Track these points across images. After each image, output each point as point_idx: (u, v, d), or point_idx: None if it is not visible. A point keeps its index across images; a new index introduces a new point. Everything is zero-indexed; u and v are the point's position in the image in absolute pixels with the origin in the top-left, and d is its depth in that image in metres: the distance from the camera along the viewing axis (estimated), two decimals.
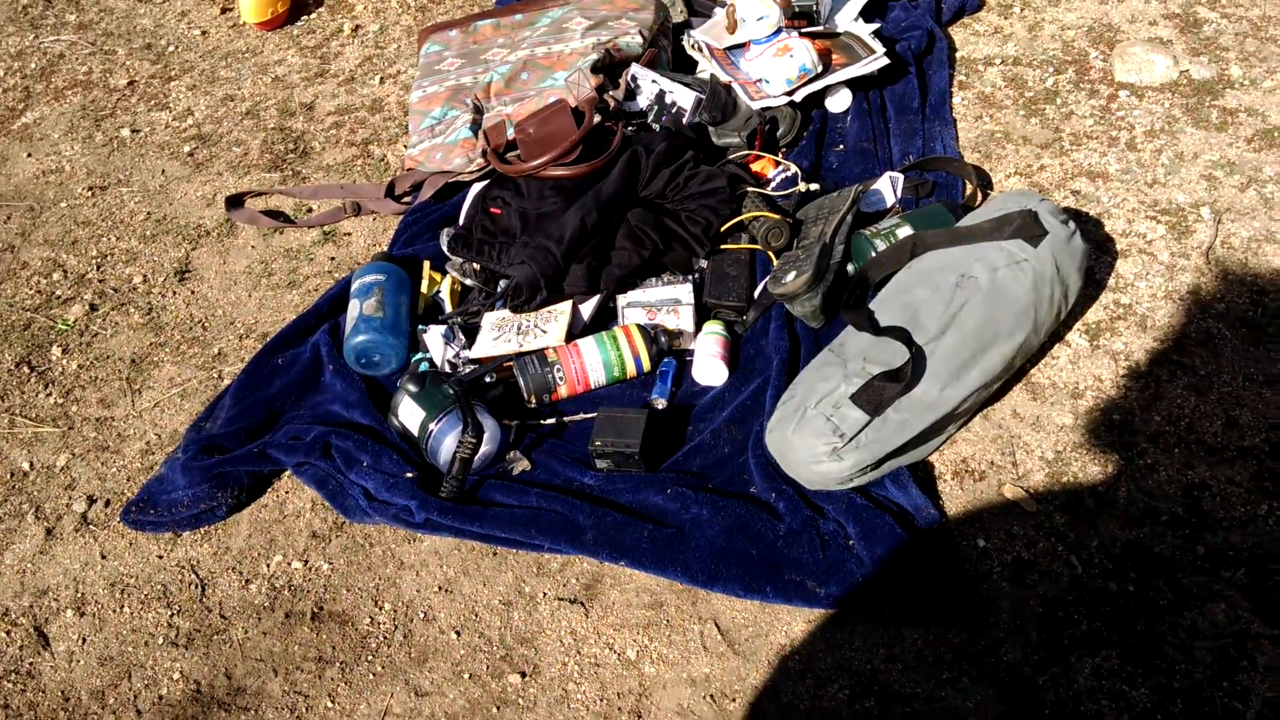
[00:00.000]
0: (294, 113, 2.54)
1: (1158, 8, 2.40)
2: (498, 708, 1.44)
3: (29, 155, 2.54)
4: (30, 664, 1.58)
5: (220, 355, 2.00)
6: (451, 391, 1.68)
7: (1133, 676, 1.37)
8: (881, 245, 1.84)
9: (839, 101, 2.26)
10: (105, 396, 1.96)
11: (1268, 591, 1.43)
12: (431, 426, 1.66)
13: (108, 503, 1.78)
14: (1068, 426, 1.66)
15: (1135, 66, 2.25)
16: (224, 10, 2.93)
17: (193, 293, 2.14)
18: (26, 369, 2.03)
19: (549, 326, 1.81)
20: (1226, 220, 1.92)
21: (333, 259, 2.16)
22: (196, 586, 1.64)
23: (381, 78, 2.60)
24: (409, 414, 1.69)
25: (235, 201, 2.30)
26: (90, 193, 2.40)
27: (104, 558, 1.70)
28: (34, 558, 1.72)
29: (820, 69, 2.18)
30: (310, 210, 2.28)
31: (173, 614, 1.61)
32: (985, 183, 2.07)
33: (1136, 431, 1.64)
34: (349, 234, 2.21)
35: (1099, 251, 1.90)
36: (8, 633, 1.62)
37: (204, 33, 2.87)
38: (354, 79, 2.62)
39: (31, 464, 1.86)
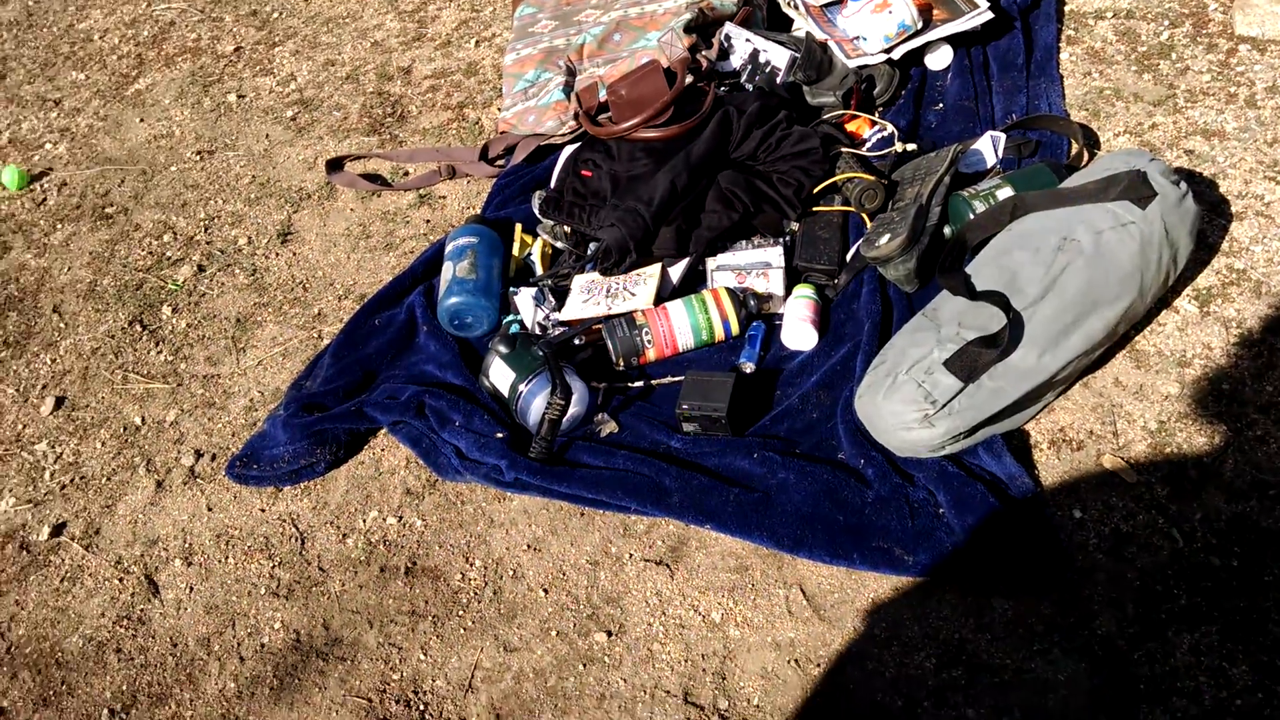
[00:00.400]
0: (392, 77, 2.58)
1: None
2: (584, 665, 1.47)
3: (141, 120, 2.63)
4: (141, 610, 1.66)
5: (320, 315, 2.06)
6: (541, 353, 1.70)
7: (1233, 653, 1.32)
8: (980, 207, 1.79)
9: (939, 59, 2.20)
10: (212, 354, 2.04)
11: None
12: (521, 388, 1.68)
13: (214, 457, 1.86)
14: (1173, 396, 1.60)
15: (1258, 19, 2.13)
16: None
17: (294, 254, 2.20)
18: (139, 327, 2.12)
19: (638, 289, 1.81)
20: None
21: (428, 221, 2.20)
22: (296, 540, 1.70)
23: (477, 41, 2.62)
24: (500, 375, 1.72)
25: (335, 165, 2.35)
26: (199, 157, 2.48)
27: (210, 510, 1.78)
28: (145, 509, 1.80)
29: (920, 25, 2.12)
30: (407, 173, 2.32)
31: (274, 565, 1.67)
32: (1092, 142, 1.99)
33: (1247, 402, 1.57)
34: (444, 197, 2.24)
35: (1212, 214, 1.82)
36: (120, 580, 1.71)
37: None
38: (450, 42, 2.65)
39: (143, 419, 1.94)
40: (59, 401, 2.00)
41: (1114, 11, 2.28)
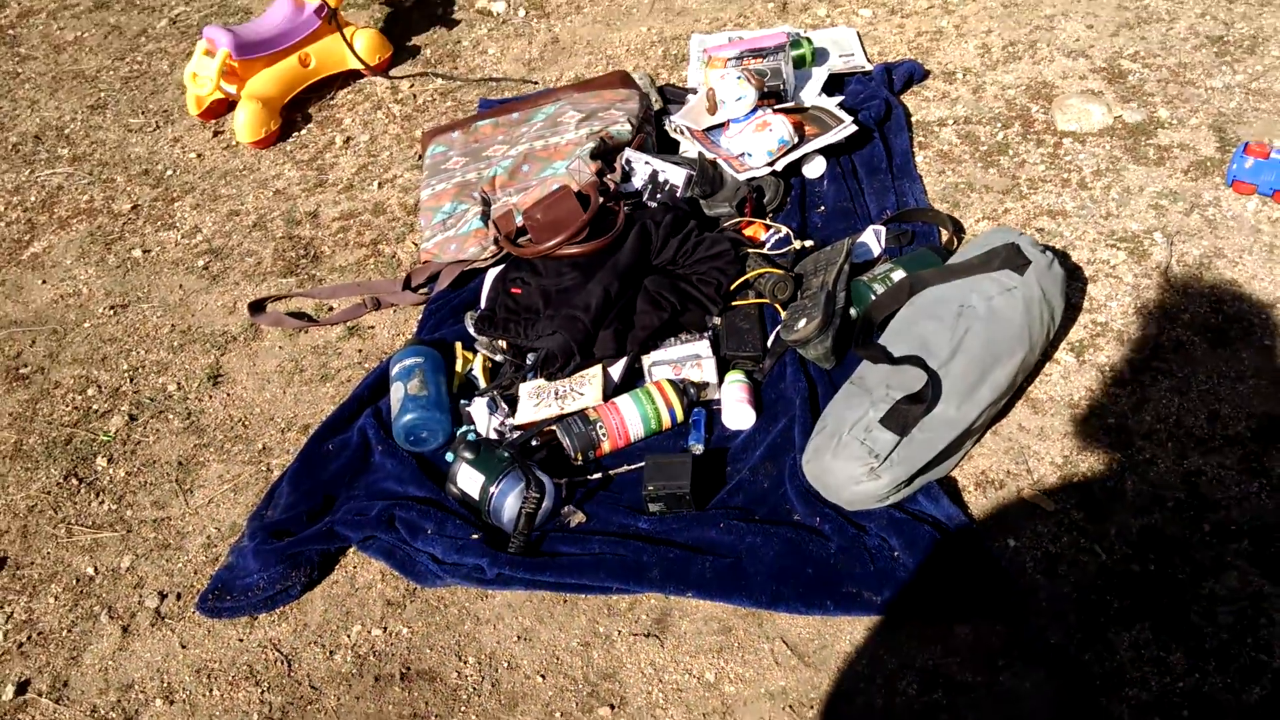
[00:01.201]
0: (300, 221, 2.68)
1: (1085, 64, 2.67)
2: None
3: (44, 282, 2.63)
4: None
5: (265, 449, 2.10)
6: (506, 455, 1.80)
7: (1167, 644, 1.52)
8: (879, 289, 2.02)
9: (815, 168, 2.46)
10: (158, 499, 2.04)
11: (1272, 557, 1.59)
12: (492, 489, 1.77)
13: (179, 596, 1.85)
14: (1070, 433, 1.83)
15: (1074, 116, 2.50)
16: (215, 134, 3.07)
17: (228, 395, 2.24)
18: (75, 480, 2.10)
19: (585, 389, 1.95)
20: (1178, 242, 2.13)
21: (360, 351, 2.28)
22: (282, 663, 1.71)
23: (379, 183, 2.76)
24: (468, 480, 1.81)
25: (257, 307, 2.42)
26: (112, 311, 2.50)
27: (184, 647, 1.77)
28: (114, 655, 1.78)
29: (796, 140, 2.39)
30: (331, 309, 2.40)
31: (263, 691, 1.68)
32: (958, 228, 2.27)
33: (1131, 431, 1.81)
34: (372, 327, 2.34)
35: (1071, 279, 2.10)
36: None
37: (199, 155, 3.00)
38: (352, 186, 2.77)
39: (96, 568, 1.92)
40: (1, 563, 1.95)
41: (953, 119, 2.61)
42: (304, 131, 3.02)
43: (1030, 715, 1.47)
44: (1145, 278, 2.08)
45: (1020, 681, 1.51)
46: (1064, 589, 1.61)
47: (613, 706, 1.57)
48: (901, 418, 1.69)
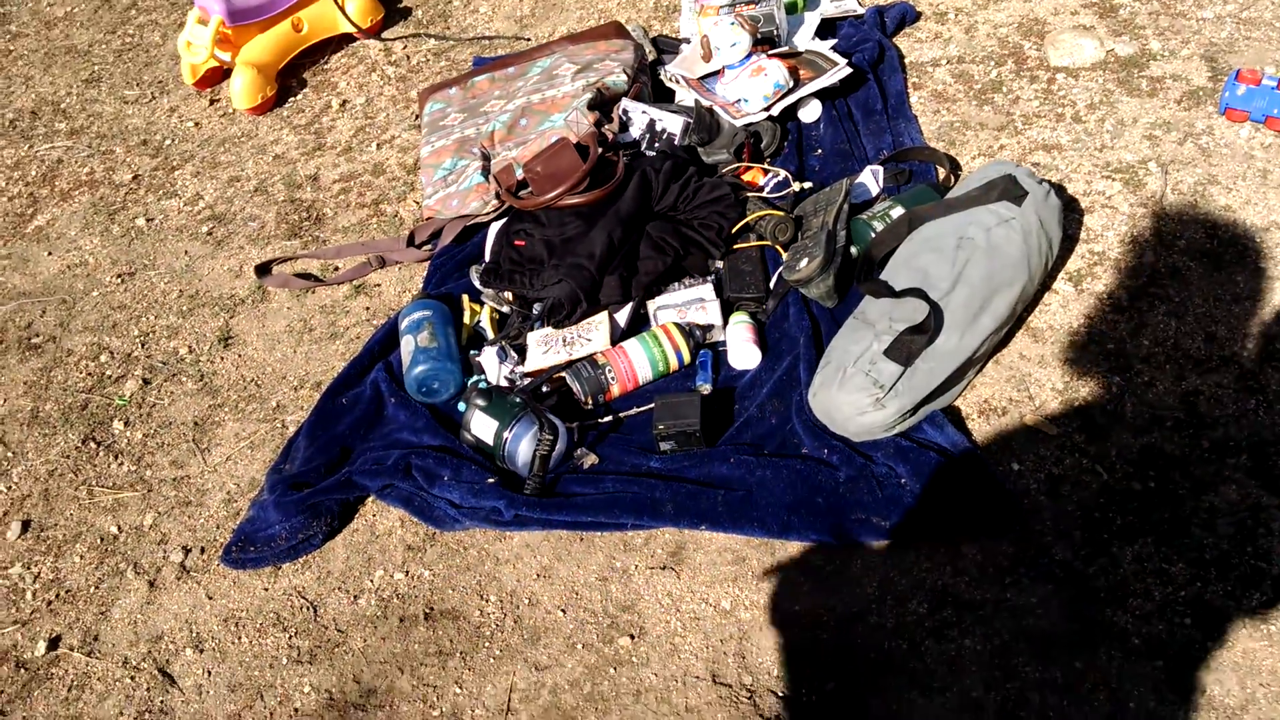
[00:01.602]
0: (300, 185, 2.70)
1: (1075, 0, 2.68)
2: (614, 668, 1.58)
3: (50, 254, 2.66)
4: (161, 702, 1.68)
5: (279, 407, 2.13)
6: (518, 400, 1.84)
7: (1169, 556, 1.56)
8: (879, 226, 2.04)
9: (811, 112, 2.48)
10: (176, 458, 2.08)
11: (1269, 470, 1.63)
12: (506, 434, 1.81)
13: (203, 550, 1.90)
14: (1070, 360, 1.86)
15: (1066, 51, 2.51)
16: (212, 102, 3.09)
17: (239, 356, 2.27)
18: (93, 444, 2.14)
19: (593, 335, 1.98)
20: (1172, 170, 2.16)
21: (367, 309, 2.31)
22: (308, 609, 1.76)
23: (378, 144, 2.78)
24: (482, 426, 1.84)
25: (263, 269, 2.44)
26: (119, 279, 2.53)
27: (210, 598, 1.81)
28: (142, 609, 1.82)
29: (792, 84, 2.41)
30: (337, 268, 2.43)
31: (291, 636, 1.73)
32: (955, 166, 2.29)
33: (1130, 355, 1.85)
34: (378, 285, 2.36)
35: (1068, 210, 2.12)
36: (132, 678, 1.72)
37: (196, 124, 3.02)
38: (351, 148, 2.79)
39: (119, 527, 1.96)
40: (25, 525, 1.99)
41: (946, 59, 2.62)
42: (300, 96, 3.04)
43: (1038, 628, 1.51)
44: (1141, 207, 2.11)
45: (1027, 597, 1.56)
46: (1068, 508, 1.65)
47: (632, 636, 1.62)
48: (905, 348, 1.72)
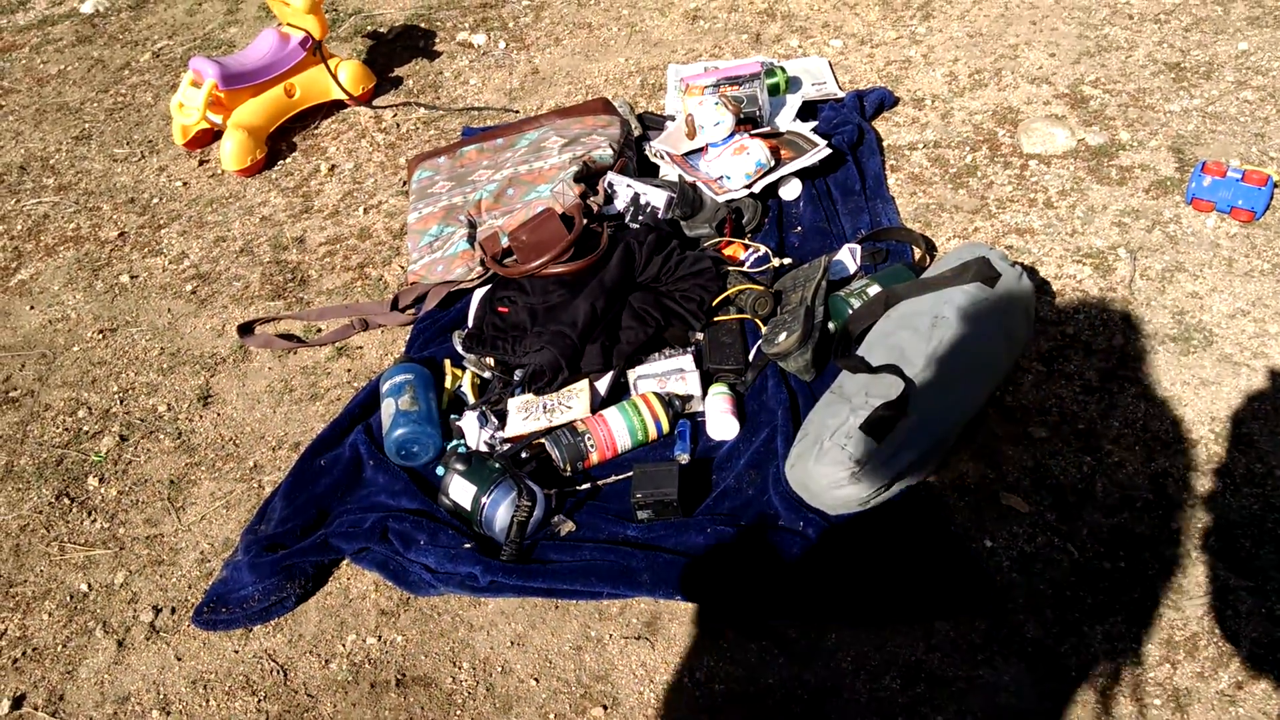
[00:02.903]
0: (286, 246, 2.72)
1: (1048, 90, 2.77)
2: None
3: (31, 308, 2.66)
4: None
5: (257, 467, 2.13)
6: (497, 466, 1.85)
7: (1139, 636, 1.58)
8: (856, 303, 2.08)
9: (791, 190, 2.54)
10: (150, 516, 2.06)
11: (1236, 553, 1.66)
12: (484, 499, 1.82)
13: (174, 610, 1.88)
14: (1042, 439, 1.90)
15: (1039, 140, 2.59)
16: (201, 162, 3.12)
17: (218, 415, 2.27)
18: (67, 500, 2.12)
19: (573, 402, 2.00)
20: (1141, 257, 2.22)
21: (349, 370, 2.32)
22: (278, 673, 1.74)
23: (365, 209, 2.81)
24: (460, 491, 1.85)
25: (246, 329, 2.45)
26: (100, 335, 2.53)
27: (179, 659, 1.79)
28: (109, 669, 1.80)
29: (773, 163, 2.47)
30: (319, 330, 2.44)
31: (259, 700, 1.70)
32: (930, 246, 2.35)
33: (1100, 436, 1.88)
34: (360, 347, 2.38)
35: (1039, 293, 2.18)
36: None
37: (185, 184, 3.05)
38: (338, 212, 2.82)
39: (90, 585, 1.94)
40: None
41: (923, 143, 2.70)
42: (289, 160, 3.07)
43: (1010, 706, 1.52)
44: (1110, 291, 2.16)
45: (999, 674, 1.57)
46: (1039, 586, 1.67)
47: (605, 707, 1.61)
48: (880, 424, 1.75)
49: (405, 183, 2.83)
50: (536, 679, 1.66)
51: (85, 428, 2.29)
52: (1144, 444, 1.86)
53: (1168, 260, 2.20)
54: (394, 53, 3.52)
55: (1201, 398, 1.91)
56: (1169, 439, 1.85)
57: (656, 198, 2.41)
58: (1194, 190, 2.30)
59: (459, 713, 1.64)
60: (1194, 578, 1.64)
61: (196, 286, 2.65)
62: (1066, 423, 1.92)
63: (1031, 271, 2.24)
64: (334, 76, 3.14)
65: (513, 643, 1.72)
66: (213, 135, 3.16)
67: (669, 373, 2.06)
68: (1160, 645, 1.56)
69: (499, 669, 1.69)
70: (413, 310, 2.42)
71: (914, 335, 1.87)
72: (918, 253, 2.33)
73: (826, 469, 1.75)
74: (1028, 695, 1.53)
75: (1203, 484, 1.77)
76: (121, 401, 2.34)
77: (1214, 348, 2.00)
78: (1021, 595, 1.66)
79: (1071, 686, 1.53)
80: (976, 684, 1.56)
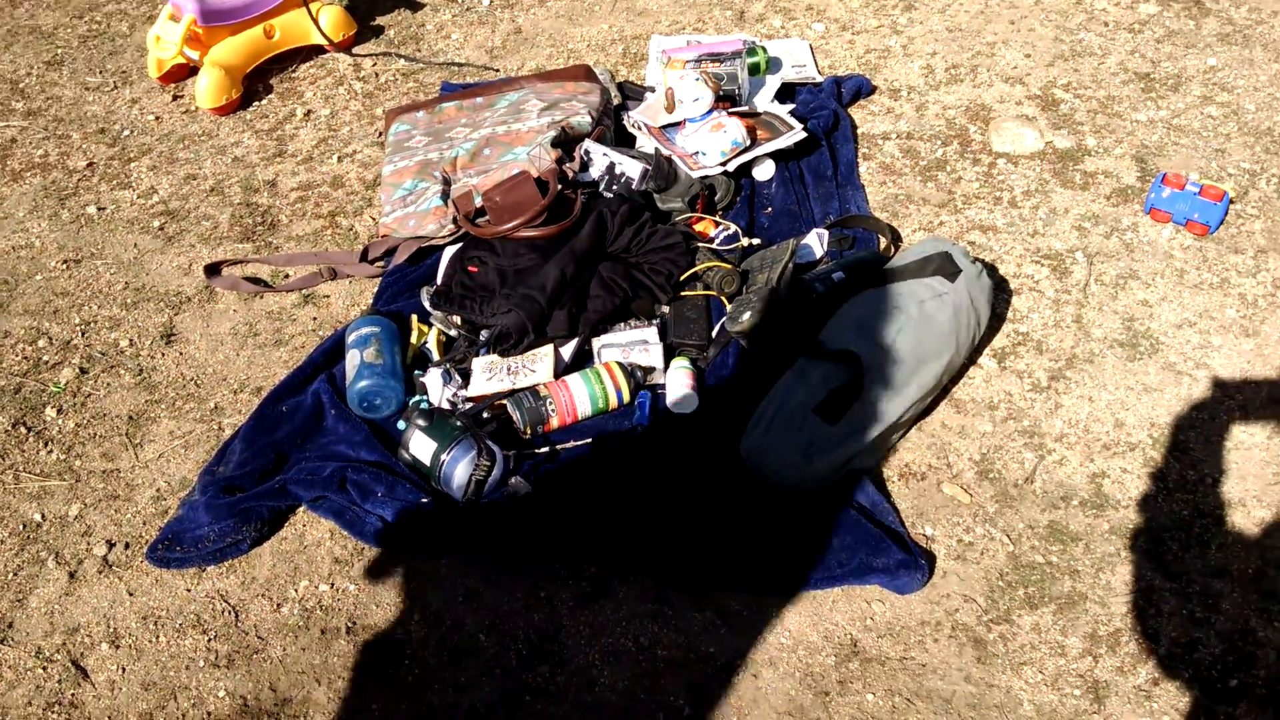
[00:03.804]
0: (258, 189, 2.71)
1: (1021, 90, 2.82)
2: (530, 696, 1.62)
3: None
4: (72, 695, 1.67)
5: (217, 409, 2.14)
6: (459, 424, 1.88)
7: (1066, 628, 1.65)
8: (820, 288, 2.13)
9: (764, 171, 2.58)
10: (107, 451, 2.07)
11: (1163, 555, 1.74)
12: (444, 456, 1.85)
13: (127, 546, 1.89)
14: (988, 433, 1.96)
15: (1009, 139, 2.65)
16: (175, 98, 3.09)
17: (181, 354, 2.27)
18: (23, 429, 2.12)
19: (537, 366, 2.03)
20: (1097, 262, 2.29)
21: (315, 319, 2.33)
22: (230, 613, 1.77)
23: (339, 157, 2.80)
24: (420, 446, 1.88)
25: (213, 269, 2.45)
26: (65, 265, 2.51)
27: (131, 594, 1.81)
28: (60, 600, 1.81)
29: (749, 143, 2.50)
30: (287, 276, 2.45)
31: (210, 639, 1.73)
32: (896, 237, 2.40)
33: (1044, 434, 1.95)
34: (328, 296, 2.39)
35: (997, 290, 2.23)
36: (44, 669, 1.71)
37: (157, 118, 3.01)
38: (312, 158, 2.81)
39: (43, 515, 1.95)
40: None
41: (896, 134, 2.74)
42: (264, 102, 3.05)
43: (937, 688, 1.59)
44: (1065, 293, 2.23)
45: (931, 656, 1.63)
46: (975, 574, 1.74)
47: (551, 666, 1.66)
48: (835, 407, 1.80)
49: (381, 134, 2.83)
50: (485, 634, 1.71)
51: (45, 358, 2.28)
52: (1085, 444, 1.93)
53: (1122, 267, 2.27)
54: (377, 1, 3.49)
55: (1144, 403, 1.99)
56: (1109, 441, 1.93)
57: (632, 168, 2.43)
58: (1153, 200, 2.36)
59: (408, 662, 1.68)
60: (1122, 576, 1.72)
61: (165, 223, 2.64)
62: (1013, 419, 1.99)
63: (991, 269, 2.30)
64: (315, 21, 3.12)
65: (464, 598, 1.76)
66: (188, 71, 3.12)
67: (633, 343, 2.10)
68: (1084, 639, 1.64)
69: (449, 622, 1.73)
70: (382, 263, 2.43)
71: (874, 323, 1.92)
72: (883, 242, 2.38)
73: (780, 450, 1.80)
74: (955, 679, 1.60)
75: (1138, 487, 1.85)
76: (83, 334, 2.34)
77: (1159, 355, 2.07)
78: (957, 583, 1.73)
79: (997, 672, 1.60)
80: (908, 664, 1.62)
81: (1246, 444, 1.89)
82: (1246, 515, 1.78)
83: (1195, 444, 1.91)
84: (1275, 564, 1.70)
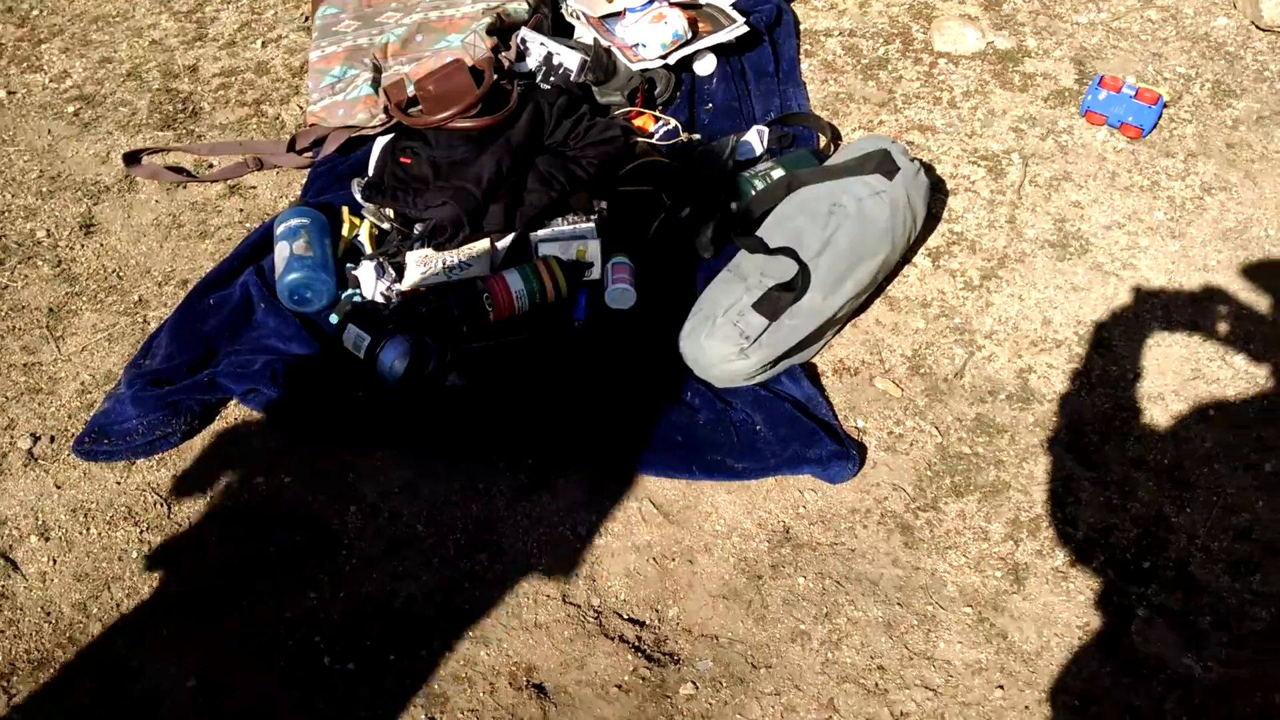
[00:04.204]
0: (177, 75, 2.60)
1: None
2: (469, 583, 1.64)
3: None
4: (2, 586, 1.65)
5: (141, 301, 2.08)
6: (394, 317, 1.85)
7: (989, 514, 1.71)
8: (760, 185, 2.12)
9: (705, 65, 2.53)
10: (27, 344, 2.01)
11: (1083, 446, 1.80)
12: (378, 350, 1.82)
13: (53, 439, 1.85)
14: (920, 330, 1.99)
15: (951, 39, 2.63)
16: None
17: (101, 245, 2.20)
18: None
19: (473, 260, 2.00)
20: (1032, 164, 2.31)
21: (241, 210, 2.26)
22: (161, 505, 1.75)
23: (263, 42, 2.69)
24: (353, 340, 1.85)
25: (133, 158, 2.36)
26: None
27: (59, 488, 1.78)
28: None
29: (690, 36, 2.45)
30: (211, 165, 2.37)
31: (142, 531, 1.71)
32: (836, 135, 2.39)
33: (974, 331, 1.99)
34: (254, 187, 2.32)
35: (934, 190, 2.24)
36: None
37: None
38: (234, 43, 2.70)
39: None
40: None
41: (839, 30, 2.71)
42: None
43: (865, 571, 1.64)
44: (1000, 194, 2.25)
45: (860, 542, 1.68)
46: (904, 465, 1.78)
47: (489, 554, 1.67)
48: (772, 304, 1.81)
49: (308, 18, 2.71)
50: (422, 524, 1.71)
51: None
52: (1014, 341, 1.97)
53: (1056, 169, 2.29)
54: None
55: (1071, 302, 2.03)
56: (1037, 338, 1.97)
57: (570, 59, 2.38)
58: (1089, 103, 2.38)
59: (345, 553, 1.68)
60: (1044, 466, 1.77)
61: (80, 109, 2.52)
62: (945, 316, 2.02)
63: (929, 169, 2.30)
64: None
65: (400, 490, 1.76)
66: None
67: (571, 239, 2.07)
68: (1006, 525, 1.70)
69: (386, 514, 1.73)
70: (310, 153, 2.35)
71: (812, 221, 1.92)
72: (823, 140, 2.37)
73: (717, 344, 1.80)
74: (884, 563, 1.65)
75: (1062, 382, 1.90)
76: None
77: (1088, 256, 2.11)
78: (886, 473, 1.77)
79: (924, 555, 1.66)
80: (838, 549, 1.67)
81: (1167, 341, 1.94)
82: (1165, 409, 1.84)
83: (1118, 341, 1.96)
84: (1190, 455, 1.77)
